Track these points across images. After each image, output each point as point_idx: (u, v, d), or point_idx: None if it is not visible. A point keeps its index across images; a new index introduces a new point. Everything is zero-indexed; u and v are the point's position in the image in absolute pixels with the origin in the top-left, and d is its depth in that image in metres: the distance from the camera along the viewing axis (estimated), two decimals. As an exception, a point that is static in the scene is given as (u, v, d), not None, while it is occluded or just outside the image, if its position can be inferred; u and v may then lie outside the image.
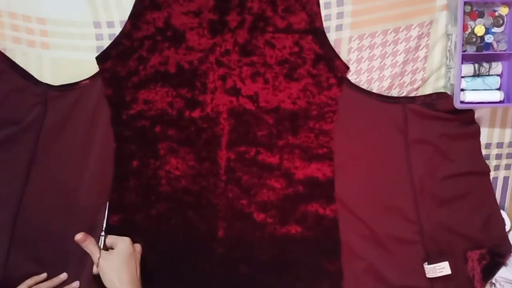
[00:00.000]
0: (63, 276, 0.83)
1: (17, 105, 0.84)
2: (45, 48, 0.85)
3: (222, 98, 0.85)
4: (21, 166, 0.83)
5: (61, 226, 0.84)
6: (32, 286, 0.82)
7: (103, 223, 0.82)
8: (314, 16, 0.83)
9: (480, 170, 0.87)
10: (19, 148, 0.84)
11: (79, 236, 0.77)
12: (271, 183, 0.86)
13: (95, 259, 0.77)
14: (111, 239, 0.80)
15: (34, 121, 0.83)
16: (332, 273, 0.85)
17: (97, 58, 0.83)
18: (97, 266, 0.76)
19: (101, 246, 0.79)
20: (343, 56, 0.85)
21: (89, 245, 0.77)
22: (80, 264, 0.83)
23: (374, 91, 0.87)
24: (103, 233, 0.80)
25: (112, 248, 0.79)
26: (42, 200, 0.84)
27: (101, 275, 0.76)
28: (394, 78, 0.87)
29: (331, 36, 0.85)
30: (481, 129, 0.87)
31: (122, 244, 0.78)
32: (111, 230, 0.83)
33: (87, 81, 0.85)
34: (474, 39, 0.83)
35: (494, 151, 0.90)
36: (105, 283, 0.75)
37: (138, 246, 0.81)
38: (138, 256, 0.80)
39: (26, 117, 0.84)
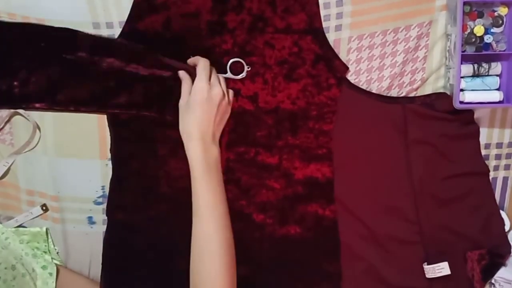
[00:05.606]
0: None
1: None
2: (44, 49, 0.84)
3: (221, 99, 0.85)
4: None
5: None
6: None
7: None
8: (314, 17, 0.83)
9: (479, 171, 0.87)
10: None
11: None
12: (271, 184, 0.85)
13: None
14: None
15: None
16: (332, 274, 0.85)
17: None
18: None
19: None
20: (343, 56, 0.85)
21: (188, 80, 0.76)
22: None
23: (374, 91, 0.86)
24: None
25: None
26: None
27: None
28: (394, 78, 0.86)
29: (331, 37, 0.84)
30: (481, 130, 0.87)
31: (196, 84, 0.75)
32: (114, 226, 0.84)
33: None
34: (473, 39, 0.83)
35: (493, 152, 0.90)
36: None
37: (230, 92, 0.79)
38: (227, 107, 0.78)
39: (25, 118, 0.83)
